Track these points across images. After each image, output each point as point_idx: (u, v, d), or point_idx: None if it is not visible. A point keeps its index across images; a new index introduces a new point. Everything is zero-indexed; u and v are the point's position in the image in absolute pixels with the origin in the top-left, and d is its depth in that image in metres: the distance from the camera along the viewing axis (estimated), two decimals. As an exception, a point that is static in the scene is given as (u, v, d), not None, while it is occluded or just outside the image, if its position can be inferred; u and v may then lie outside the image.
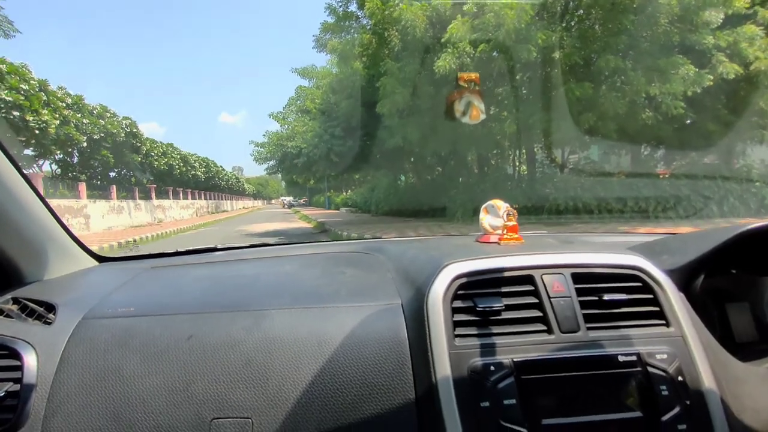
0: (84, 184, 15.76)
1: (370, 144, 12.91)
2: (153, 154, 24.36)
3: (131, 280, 1.04)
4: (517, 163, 13.93)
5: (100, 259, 1.21)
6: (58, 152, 16.27)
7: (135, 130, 21.58)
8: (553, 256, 0.78)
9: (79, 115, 16.27)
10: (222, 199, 41.25)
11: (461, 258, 0.77)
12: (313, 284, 0.97)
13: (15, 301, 0.89)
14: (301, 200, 57.37)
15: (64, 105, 15.08)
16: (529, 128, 9.20)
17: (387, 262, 1.07)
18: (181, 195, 26.93)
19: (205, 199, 34.01)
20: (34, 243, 0.97)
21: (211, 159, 38.39)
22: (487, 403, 0.63)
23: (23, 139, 12.77)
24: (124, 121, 20.57)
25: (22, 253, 0.96)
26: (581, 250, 0.81)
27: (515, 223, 0.94)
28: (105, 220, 16.24)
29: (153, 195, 21.94)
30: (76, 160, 18.75)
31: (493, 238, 0.97)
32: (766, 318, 0.86)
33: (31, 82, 12.95)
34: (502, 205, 0.97)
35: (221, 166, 44.20)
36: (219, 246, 1.36)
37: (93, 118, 17.65)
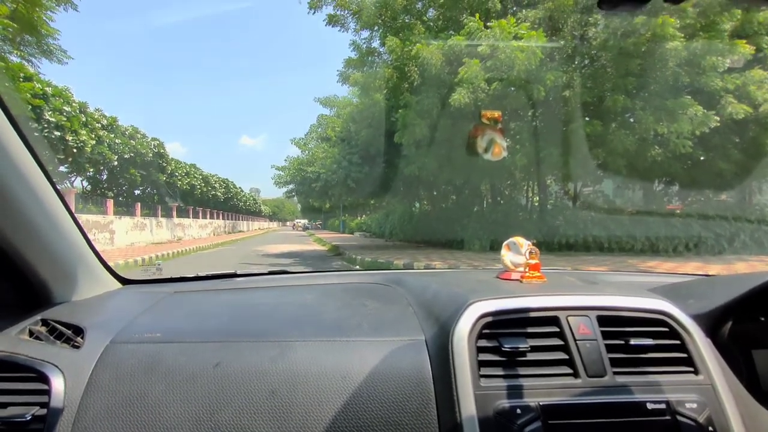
0: (111, 200, 16.55)
1: (387, 172, 13.25)
2: (177, 174, 25.39)
3: (155, 304, 1.04)
4: (530, 195, 14.19)
5: (124, 281, 1.23)
6: (91, 170, 17.19)
7: (162, 150, 22.67)
8: (579, 298, 0.77)
9: (113, 136, 17.24)
10: (239, 220, 42.23)
11: (486, 296, 0.77)
12: (335, 316, 0.95)
13: (44, 322, 0.90)
14: (317, 222, 58.13)
15: (100, 126, 16.03)
16: (541, 162, 9.52)
17: (407, 294, 1.06)
18: (200, 214, 27.76)
19: (223, 219, 34.92)
20: (64, 263, 0.97)
21: (230, 180, 39.59)
22: None
23: (61, 157, 13.59)
24: (152, 142, 21.69)
25: (53, 273, 0.95)
26: (606, 291, 0.81)
27: (538, 261, 0.93)
28: (128, 236, 16.90)
29: (174, 213, 22.77)
30: (105, 177, 19.73)
31: (515, 276, 0.95)
32: None
33: (73, 104, 13.87)
34: (524, 243, 0.95)
35: (240, 188, 45.42)
36: (239, 272, 1.37)
37: (125, 138, 18.67)
